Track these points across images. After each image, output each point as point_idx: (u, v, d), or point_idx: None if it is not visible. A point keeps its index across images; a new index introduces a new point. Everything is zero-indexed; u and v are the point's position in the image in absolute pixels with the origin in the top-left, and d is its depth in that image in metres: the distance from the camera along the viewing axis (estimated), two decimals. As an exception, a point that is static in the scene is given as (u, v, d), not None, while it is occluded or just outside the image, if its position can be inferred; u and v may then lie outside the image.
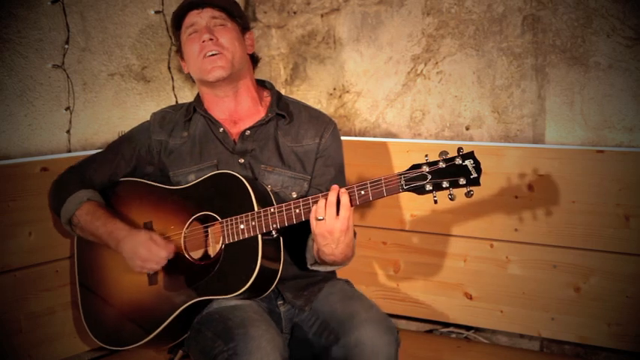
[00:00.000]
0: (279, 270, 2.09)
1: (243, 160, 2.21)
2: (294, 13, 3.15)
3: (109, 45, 2.77)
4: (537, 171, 2.50)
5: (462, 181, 1.89)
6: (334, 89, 3.10)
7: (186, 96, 3.07)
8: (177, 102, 3.01)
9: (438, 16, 2.82)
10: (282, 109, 2.27)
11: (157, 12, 2.93)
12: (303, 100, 2.40)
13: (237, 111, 2.26)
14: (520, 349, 2.73)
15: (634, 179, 2.37)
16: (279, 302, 2.21)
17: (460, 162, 1.89)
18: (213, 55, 2.16)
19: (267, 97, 2.32)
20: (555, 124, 2.64)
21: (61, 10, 2.58)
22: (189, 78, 3.10)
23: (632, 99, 2.50)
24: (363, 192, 1.95)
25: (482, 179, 1.90)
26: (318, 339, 2.09)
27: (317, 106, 3.06)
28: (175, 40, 2.34)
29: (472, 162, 1.89)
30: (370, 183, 1.95)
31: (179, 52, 2.30)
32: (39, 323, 2.38)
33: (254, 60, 2.35)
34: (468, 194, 1.90)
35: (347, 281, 2.30)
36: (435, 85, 2.86)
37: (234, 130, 2.25)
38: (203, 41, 2.16)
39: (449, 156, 1.91)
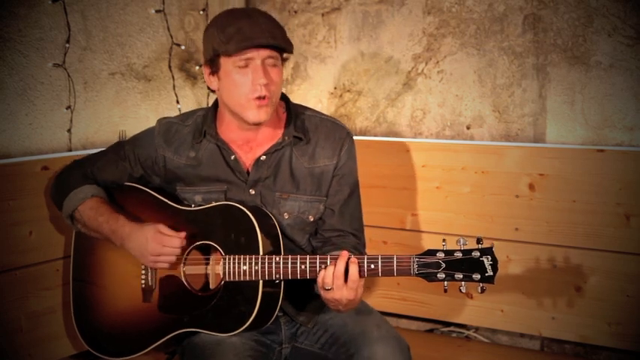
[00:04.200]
0: (276, 310, 2.06)
1: (253, 192, 2.13)
2: (295, 12, 3.15)
3: (110, 44, 2.77)
4: (538, 170, 2.50)
5: (476, 276, 1.85)
6: (335, 88, 3.10)
7: (187, 95, 3.06)
8: (177, 101, 3.01)
9: (438, 15, 2.82)
10: (299, 131, 2.14)
11: (157, 11, 2.93)
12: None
13: (257, 138, 2.15)
14: (521, 349, 2.73)
15: (634, 178, 2.36)
16: (279, 314, 2.13)
17: (477, 256, 1.85)
18: (262, 98, 2.02)
19: (282, 113, 2.19)
20: (556, 123, 2.64)
21: (62, 9, 2.58)
22: (189, 77, 3.10)
23: (633, 98, 2.50)
24: (373, 266, 1.91)
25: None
26: (326, 352, 2.07)
27: (318, 106, 3.07)
28: (208, 52, 2.07)
29: (489, 259, 1.85)
30: (382, 258, 1.91)
31: (209, 66, 2.07)
32: (39, 322, 2.38)
33: None
34: (481, 291, 1.87)
35: None
36: (435, 85, 2.86)
37: (249, 156, 2.15)
38: (257, 83, 2.00)
39: (467, 247, 1.87)
